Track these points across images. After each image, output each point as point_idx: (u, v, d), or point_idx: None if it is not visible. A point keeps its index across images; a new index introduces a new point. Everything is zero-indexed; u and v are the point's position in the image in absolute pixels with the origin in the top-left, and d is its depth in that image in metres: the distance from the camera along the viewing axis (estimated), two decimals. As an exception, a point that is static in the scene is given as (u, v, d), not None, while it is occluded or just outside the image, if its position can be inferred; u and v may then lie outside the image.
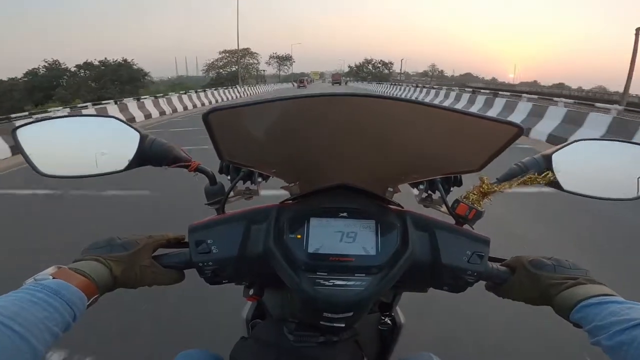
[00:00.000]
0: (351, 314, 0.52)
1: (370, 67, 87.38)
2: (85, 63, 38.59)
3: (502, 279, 0.55)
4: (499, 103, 10.09)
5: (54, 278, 0.41)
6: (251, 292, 0.71)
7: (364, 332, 0.67)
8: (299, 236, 0.51)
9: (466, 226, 0.58)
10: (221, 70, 62.89)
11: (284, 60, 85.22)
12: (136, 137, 0.54)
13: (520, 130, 0.39)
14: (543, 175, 0.54)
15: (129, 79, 36.93)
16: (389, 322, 0.73)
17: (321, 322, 0.53)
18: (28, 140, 0.54)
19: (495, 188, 0.55)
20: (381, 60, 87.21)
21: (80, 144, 0.54)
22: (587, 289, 0.45)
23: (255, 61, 68.54)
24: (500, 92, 11.59)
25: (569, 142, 0.57)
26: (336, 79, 64.51)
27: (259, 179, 0.62)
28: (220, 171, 0.60)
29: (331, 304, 0.50)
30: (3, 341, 0.33)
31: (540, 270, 0.50)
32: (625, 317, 0.38)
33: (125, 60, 39.06)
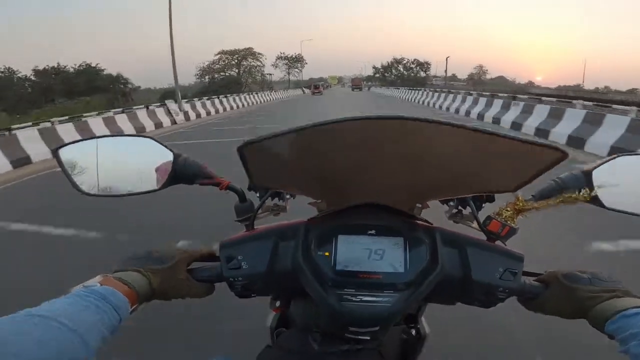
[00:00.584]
0: (377, 328, 0.52)
1: (400, 67, 71.74)
2: (35, 70, 32.54)
3: (534, 293, 0.54)
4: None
5: (101, 285, 0.44)
6: (277, 303, 0.72)
7: (388, 342, 0.66)
8: (327, 253, 0.52)
9: (498, 242, 0.56)
10: (216, 75, 52.94)
11: (294, 62, 69.96)
12: (170, 156, 0.55)
13: (564, 155, 0.37)
14: (583, 193, 0.52)
15: (89, 88, 30.71)
16: (413, 333, 0.72)
17: (347, 335, 0.54)
18: (69, 160, 0.57)
19: (531, 206, 0.53)
20: (415, 60, 70.88)
21: (118, 164, 0.57)
22: (624, 302, 0.45)
23: (260, 63, 57.84)
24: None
25: (609, 157, 0.55)
26: (356, 84, 59.20)
27: (287, 196, 0.63)
28: (249, 189, 0.61)
29: (358, 319, 0.50)
30: (64, 339, 0.36)
31: (577, 284, 0.50)
32: None
33: (88, 65, 33.03)
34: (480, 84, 66.20)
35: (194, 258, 0.57)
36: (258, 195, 0.60)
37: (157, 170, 0.56)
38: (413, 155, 0.44)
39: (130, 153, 0.57)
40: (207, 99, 17.78)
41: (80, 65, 33.83)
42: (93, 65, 33.90)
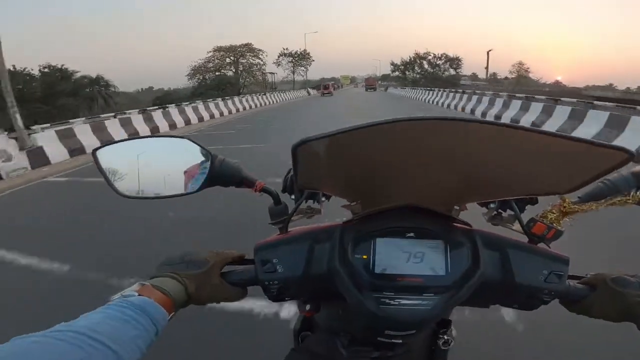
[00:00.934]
0: (413, 332, 0.51)
1: (425, 64, 58.07)
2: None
3: (580, 296, 0.53)
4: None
5: (139, 295, 0.43)
6: (308, 307, 0.71)
7: (417, 347, 0.65)
8: (364, 256, 0.51)
9: (542, 245, 0.55)
10: (207, 76, 45.59)
11: (299, 59, 59.32)
12: (207, 157, 0.55)
13: (630, 157, 0.35)
14: (634, 195, 0.49)
15: (49, 94, 25.96)
16: (446, 337, 0.71)
17: (379, 339, 0.53)
18: (107, 161, 0.57)
19: (579, 208, 0.51)
20: (444, 54, 56.82)
21: (155, 165, 0.57)
22: None
23: (260, 61, 49.55)
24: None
25: None
26: (370, 83, 54.76)
27: (323, 198, 0.62)
28: (284, 190, 0.61)
29: (396, 323, 0.49)
30: (98, 358, 0.34)
31: (626, 288, 0.49)
32: None
33: (50, 67, 27.50)
34: (497, 82, 56.16)
35: (227, 261, 0.57)
36: (293, 197, 0.60)
37: (194, 171, 0.56)
38: (451, 157, 0.42)
39: (167, 154, 0.57)
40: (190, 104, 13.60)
41: (45, 67, 28.76)
42: (59, 66, 29.05)
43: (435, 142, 0.39)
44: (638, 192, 0.51)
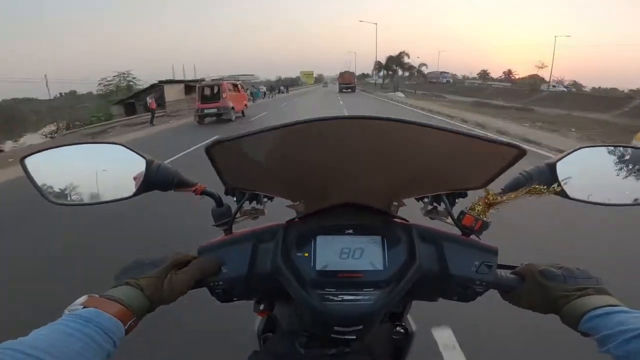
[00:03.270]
0: (361, 327, 0.52)
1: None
2: None
3: (511, 286, 0.55)
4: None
5: (84, 307, 0.41)
6: (262, 307, 0.72)
7: (376, 342, 0.67)
8: (306, 254, 0.52)
9: (473, 237, 0.58)
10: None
11: None
12: (142, 162, 0.54)
13: (521, 153, 0.39)
14: (548, 186, 0.54)
15: None
16: (401, 331, 0.74)
17: (332, 335, 0.54)
18: (36, 169, 0.55)
19: (501, 199, 0.55)
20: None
21: (88, 172, 0.55)
22: (594, 300, 0.46)
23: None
24: None
25: (572, 149, 0.57)
26: (347, 81, 39.49)
27: (265, 199, 0.63)
28: (226, 193, 0.60)
29: (341, 318, 0.50)
30: None
31: (551, 282, 0.50)
32: (632, 326, 0.40)
33: None
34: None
35: (183, 260, 0.54)
36: (235, 199, 0.60)
37: (129, 177, 0.54)
38: (387, 155, 0.45)
39: (101, 160, 0.55)
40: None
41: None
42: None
43: (363, 140, 0.41)
44: (553, 186, 0.55)
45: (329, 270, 0.51)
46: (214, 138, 0.36)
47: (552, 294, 0.49)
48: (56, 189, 0.55)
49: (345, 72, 44.80)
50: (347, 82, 38.78)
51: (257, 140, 0.38)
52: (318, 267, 0.51)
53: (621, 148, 0.59)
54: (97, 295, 0.44)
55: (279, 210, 0.65)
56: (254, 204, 0.62)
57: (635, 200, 0.57)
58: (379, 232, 0.54)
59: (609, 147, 0.59)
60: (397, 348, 0.76)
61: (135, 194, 0.55)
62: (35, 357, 0.33)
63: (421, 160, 0.45)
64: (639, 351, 0.38)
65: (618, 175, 0.58)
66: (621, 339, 0.39)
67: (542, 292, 0.50)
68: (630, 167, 0.58)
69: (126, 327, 0.43)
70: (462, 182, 0.49)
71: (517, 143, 0.38)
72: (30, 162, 0.54)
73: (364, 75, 71.21)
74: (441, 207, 0.62)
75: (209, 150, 0.38)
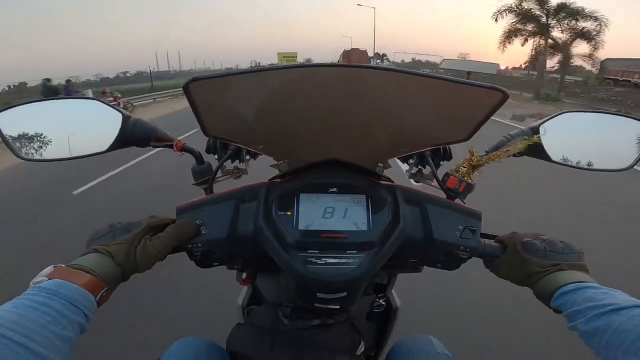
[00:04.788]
0: (345, 294, 0.51)
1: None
2: None
3: (494, 255, 0.54)
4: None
5: (49, 279, 0.38)
6: (244, 275, 0.71)
7: (360, 314, 0.67)
8: (288, 213, 0.51)
9: (458, 200, 0.58)
10: None
11: None
12: (118, 118, 0.53)
13: (505, 96, 0.39)
14: (529, 138, 0.54)
15: None
16: (383, 303, 0.73)
17: (316, 305, 0.53)
18: (8, 125, 0.53)
19: (485, 160, 0.55)
20: None
21: (62, 127, 0.53)
22: (565, 276, 0.45)
23: None
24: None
25: (556, 113, 0.58)
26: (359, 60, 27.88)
27: (247, 157, 0.61)
28: (208, 150, 0.59)
29: (324, 283, 0.49)
30: (4, 354, 0.31)
31: (531, 255, 0.49)
32: (600, 302, 0.39)
33: None
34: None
35: (158, 224, 0.52)
36: (217, 157, 0.58)
37: (106, 133, 0.53)
38: (368, 108, 0.44)
39: (76, 116, 0.54)
40: None
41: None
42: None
43: (339, 90, 0.41)
44: (532, 137, 0.55)
45: (312, 230, 0.50)
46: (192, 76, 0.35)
47: (529, 269, 0.48)
48: (28, 145, 0.53)
49: (354, 50, 32.64)
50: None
51: (238, 82, 0.37)
52: (301, 226, 0.50)
53: (604, 114, 0.59)
54: (64, 265, 0.41)
55: (263, 172, 0.64)
56: (236, 163, 0.60)
57: (619, 165, 0.58)
58: (363, 192, 0.53)
59: (592, 113, 0.60)
60: (381, 321, 0.76)
61: (109, 149, 0.53)
62: None
63: (405, 111, 0.45)
64: (606, 328, 0.37)
65: (602, 141, 0.59)
66: (588, 316, 0.39)
67: (521, 264, 0.50)
68: (612, 133, 0.59)
69: (97, 298, 0.40)
70: (446, 133, 0.49)
71: (499, 86, 0.38)
72: (2, 117, 0.53)
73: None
74: (426, 170, 0.62)
75: (186, 87, 0.36)
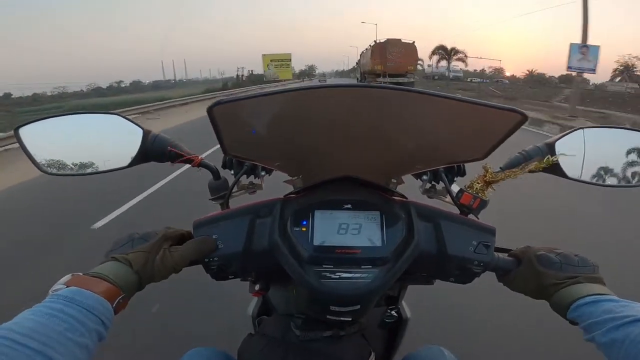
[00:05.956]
0: (358, 307, 0.51)
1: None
2: None
3: (508, 269, 0.54)
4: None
5: (67, 287, 0.39)
6: (257, 287, 0.71)
7: (371, 326, 0.67)
8: (303, 229, 0.51)
9: (471, 216, 0.57)
10: None
11: None
12: (139, 133, 0.54)
13: (523, 118, 0.39)
14: (546, 159, 0.54)
15: None
16: (395, 314, 0.73)
17: (328, 317, 0.53)
18: (31, 139, 0.54)
19: (499, 177, 0.55)
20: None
21: (83, 142, 0.54)
22: (583, 288, 0.45)
23: None
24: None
25: (572, 129, 0.57)
26: (395, 69, 23.14)
27: (263, 173, 0.62)
28: (224, 166, 0.60)
29: (338, 297, 0.49)
30: None
31: (546, 268, 0.49)
32: (619, 314, 0.39)
33: None
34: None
35: (176, 235, 0.53)
36: (232, 172, 0.59)
37: (126, 148, 0.54)
38: (387, 125, 0.44)
39: (98, 131, 0.55)
40: None
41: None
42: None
43: (355, 109, 0.41)
44: (549, 158, 0.54)
45: (327, 246, 0.50)
46: (216, 100, 0.36)
47: (545, 281, 0.48)
48: (50, 159, 0.54)
49: (391, 41, 23.91)
50: (396, 72, 20.70)
51: (258, 104, 0.38)
52: (316, 242, 0.51)
53: (621, 130, 0.59)
54: (81, 274, 0.42)
55: (277, 188, 0.65)
56: (251, 178, 0.61)
57: (633, 182, 0.57)
58: (377, 208, 0.53)
59: (608, 129, 0.59)
60: (392, 333, 0.76)
61: (130, 165, 0.54)
62: (14, 340, 0.32)
63: (421, 130, 0.45)
64: (624, 339, 0.37)
65: (616, 157, 0.59)
66: (606, 327, 0.39)
67: (536, 277, 0.50)
68: (629, 149, 0.59)
69: (114, 305, 0.41)
70: (462, 153, 0.49)
71: (518, 108, 0.38)
72: (24, 131, 0.54)
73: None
74: (440, 186, 0.62)
75: (210, 110, 0.37)
